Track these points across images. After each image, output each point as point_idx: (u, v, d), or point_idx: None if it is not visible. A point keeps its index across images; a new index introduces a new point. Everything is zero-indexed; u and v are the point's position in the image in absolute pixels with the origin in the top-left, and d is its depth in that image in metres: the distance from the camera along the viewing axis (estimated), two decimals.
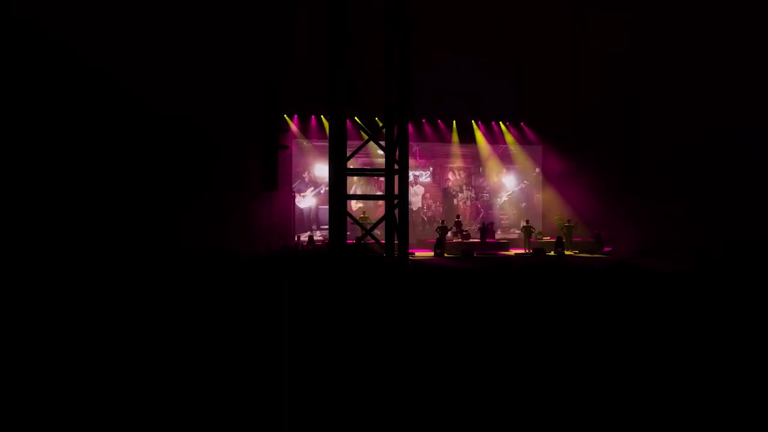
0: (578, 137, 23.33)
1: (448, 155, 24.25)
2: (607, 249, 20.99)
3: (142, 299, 6.45)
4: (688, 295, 6.18)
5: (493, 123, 24.96)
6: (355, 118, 23.30)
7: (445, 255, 18.61)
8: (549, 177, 25.00)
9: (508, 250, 20.63)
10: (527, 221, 21.34)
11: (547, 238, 21.77)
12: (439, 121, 24.48)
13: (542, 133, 24.86)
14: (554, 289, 5.62)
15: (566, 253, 19.71)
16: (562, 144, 24.02)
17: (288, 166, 22.02)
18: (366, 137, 22.81)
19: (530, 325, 5.18)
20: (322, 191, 21.99)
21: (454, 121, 24.46)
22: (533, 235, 21.04)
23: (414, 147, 23.54)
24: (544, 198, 24.71)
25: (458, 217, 21.50)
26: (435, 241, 19.14)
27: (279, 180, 20.51)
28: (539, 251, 19.49)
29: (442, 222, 20.22)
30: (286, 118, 22.26)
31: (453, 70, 22.67)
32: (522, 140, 25.08)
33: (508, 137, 24.84)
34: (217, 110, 18.60)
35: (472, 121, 24.65)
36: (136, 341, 4.98)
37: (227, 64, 18.86)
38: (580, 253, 20.29)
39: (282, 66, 20.39)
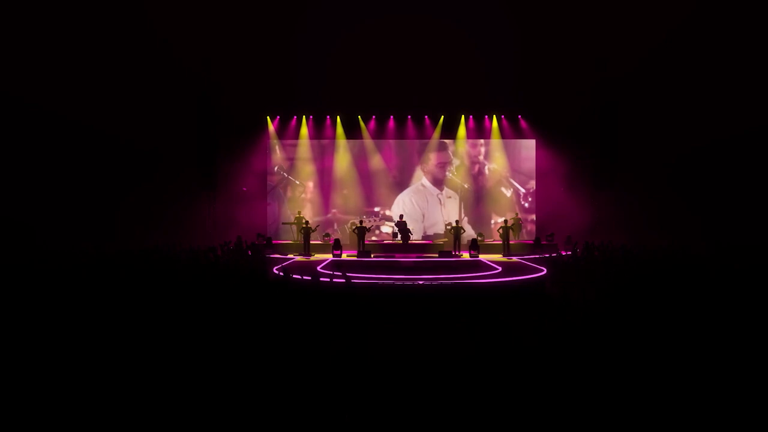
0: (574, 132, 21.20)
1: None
2: (563, 252, 18.68)
3: None
4: None
5: (486, 117, 23.47)
6: (337, 117, 23.96)
7: (344, 256, 18.34)
8: (538, 173, 22.74)
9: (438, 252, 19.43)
10: (456, 221, 19.75)
11: (490, 240, 19.92)
12: (426, 116, 23.83)
13: (539, 127, 22.74)
14: None
15: (480, 256, 17.94)
16: (557, 138, 21.85)
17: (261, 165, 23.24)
18: (344, 135, 23.54)
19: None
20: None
21: (442, 116, 23.54)
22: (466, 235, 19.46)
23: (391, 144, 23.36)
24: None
25: (402, 216, 20.71)
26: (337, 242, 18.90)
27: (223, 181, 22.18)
28: (444, 254, 18.11)
29: (361, 222, 19.77)
30: (268, 119, 23.53)
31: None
32: (514, 135, 23.10)
33: (496, 133, 23.06)
34: (159, 117, 20.20)
35: (462, 116, 23.44)
36: None
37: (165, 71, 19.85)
38: (509, 257, 18.30)
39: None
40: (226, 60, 21.18)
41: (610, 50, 19.71)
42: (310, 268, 14.87)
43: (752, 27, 16.83)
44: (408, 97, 22.86)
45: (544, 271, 13.89)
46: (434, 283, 12.32)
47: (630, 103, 19.57)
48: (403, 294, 11.84)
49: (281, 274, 12.84)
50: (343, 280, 10.61)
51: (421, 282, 11.82)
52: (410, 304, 11.45)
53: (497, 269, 14.70)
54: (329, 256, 18.27)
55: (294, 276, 11.61)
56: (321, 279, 11.25)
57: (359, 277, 12.67)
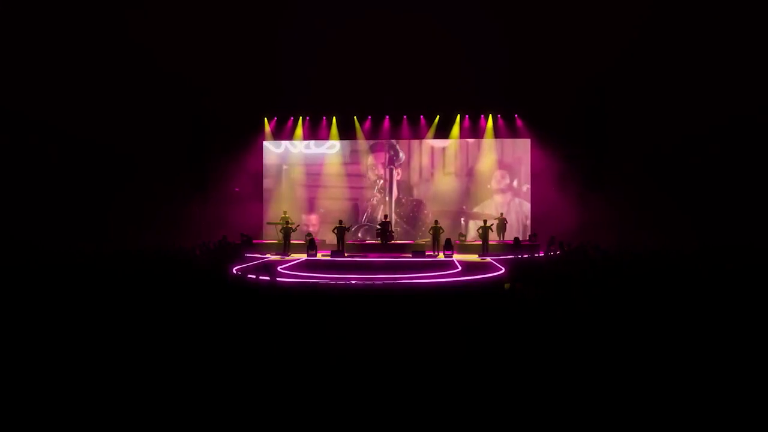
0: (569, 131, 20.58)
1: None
2: (541, 253, 18.10)
3: None
4: None
5: (482, 116, 22.97)
6: (333, 118, 23.96)
7: (318, 256, 18.27)
8: (533, 173, 22.06)
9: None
10: (436, 221, 19.34)
11: (472, 240, 19.42)
12: (421, 116, 23.54)
13: (534, 126, 22.09)
14: None
15: (454, 256, 17.55)
16: (552, 137, 21.20)
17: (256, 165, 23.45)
18: (338, 137, 23.52)
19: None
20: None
21: (438, 116, 23.19)
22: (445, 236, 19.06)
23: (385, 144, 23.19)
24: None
25: (386, 216, 20.49)
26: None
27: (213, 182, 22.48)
28: (418, 254, 17.75)
29: (340, 222, 19.61)
30: (266, 121, 23.75)
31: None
32: (509, 134, 22.51)
33: (490, 133, 22.52)
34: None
35: (458, 115, 23.00)
36: None
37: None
38: (484, 257, 17.80)
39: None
40: (223, 61, 21.42)
41: (600, 49, 18.91)
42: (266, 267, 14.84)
43: (738, 28, 15.79)
44: (403, 98, 22.59)
45: (502, 270, 13.48)
46: (369, 283, 12.07)
47: (619, 102, 18.74)
48: (343, 294, 11.69)
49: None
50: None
51: (353, 282, 11.58)
52: (351, 303, 11.28)
53: (458, 269, 14.37)
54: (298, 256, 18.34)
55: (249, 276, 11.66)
56: (247, 277, 11.23)
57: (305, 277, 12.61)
